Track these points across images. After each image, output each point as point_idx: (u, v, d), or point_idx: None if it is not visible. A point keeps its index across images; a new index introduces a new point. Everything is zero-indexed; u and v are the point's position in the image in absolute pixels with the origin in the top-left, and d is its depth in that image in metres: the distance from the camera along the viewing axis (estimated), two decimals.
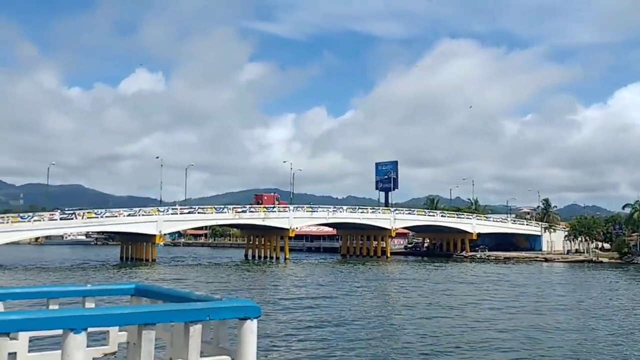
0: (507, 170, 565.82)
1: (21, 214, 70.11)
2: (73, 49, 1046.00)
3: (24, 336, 4.69)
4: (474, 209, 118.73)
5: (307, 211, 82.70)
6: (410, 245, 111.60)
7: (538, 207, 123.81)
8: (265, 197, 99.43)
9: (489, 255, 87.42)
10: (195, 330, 3.86)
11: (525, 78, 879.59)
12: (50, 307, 4.93)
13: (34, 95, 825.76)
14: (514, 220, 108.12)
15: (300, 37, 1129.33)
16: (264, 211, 78.76)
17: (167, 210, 74.26)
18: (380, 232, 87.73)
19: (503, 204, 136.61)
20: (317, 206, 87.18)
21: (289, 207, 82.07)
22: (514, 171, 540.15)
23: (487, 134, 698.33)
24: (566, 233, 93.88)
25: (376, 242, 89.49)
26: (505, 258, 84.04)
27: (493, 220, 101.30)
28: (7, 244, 65.20)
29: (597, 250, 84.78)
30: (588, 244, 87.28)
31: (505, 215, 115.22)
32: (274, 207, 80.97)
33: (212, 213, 76.93)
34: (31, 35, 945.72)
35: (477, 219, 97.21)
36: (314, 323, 24.40)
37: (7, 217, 66.39)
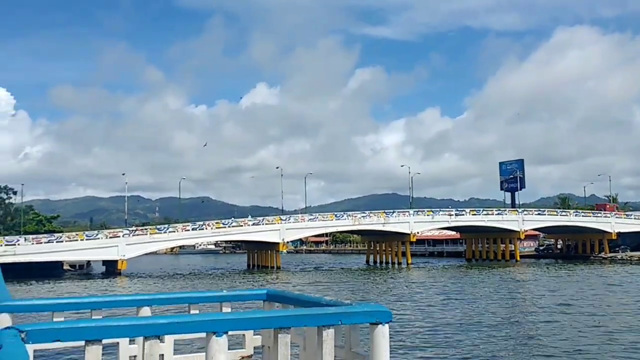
0: None
1: (158, 226, 75.73)
2: (193, 70, 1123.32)
3: (169, 339, 5.02)
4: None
5: (427, 215, 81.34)
6: (541, 248, 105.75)
7: None
8: (608, 206, 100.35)
9: (631, 256, 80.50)
10: (329, 334, 3.89)
11: None
12: (192, 311, 5.24)
13: (163, 115, 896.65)
14: None
15: (410, 37, 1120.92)
16: (384, 216, 78.56)
17: (289, 219, 76.57)
18: (507, 235, 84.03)
19: None
20: (438, 210, 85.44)
21: (408, 212, 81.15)
22: None
23: (618, 124, 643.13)
24: None
25: (503, 245, 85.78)
26: None
27: (634, 218, 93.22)
28: (147, 253, 71.05)
29: None
30: None
31: None
32: (393, 212, 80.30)
33: (332, 220, 78.19)
34: (155, 61, 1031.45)
35: (617, 217, 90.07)
36: (444, 328, 23.74)
37: (147, 229, 72.40)
